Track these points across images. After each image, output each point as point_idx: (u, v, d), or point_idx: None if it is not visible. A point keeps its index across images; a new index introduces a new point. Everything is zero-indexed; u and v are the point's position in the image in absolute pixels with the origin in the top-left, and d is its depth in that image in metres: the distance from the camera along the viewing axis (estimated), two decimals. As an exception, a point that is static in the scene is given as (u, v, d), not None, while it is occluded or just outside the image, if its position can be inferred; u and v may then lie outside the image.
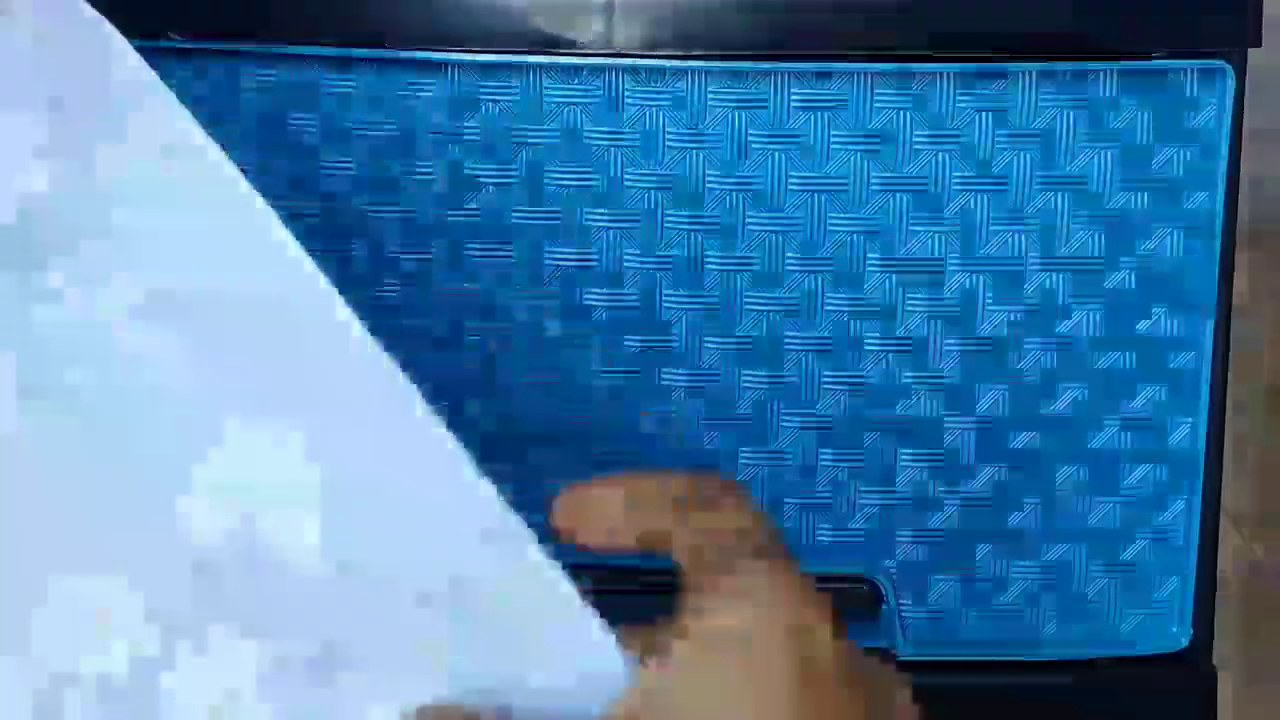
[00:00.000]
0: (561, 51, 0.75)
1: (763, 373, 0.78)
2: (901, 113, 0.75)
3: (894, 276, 0.77)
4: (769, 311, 0.77)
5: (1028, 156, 0.76)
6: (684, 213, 0.76)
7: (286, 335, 0.48)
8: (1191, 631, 0.81)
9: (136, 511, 0.47)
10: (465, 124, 0.76)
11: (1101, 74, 0.75)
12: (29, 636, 0.46)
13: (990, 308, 0.77)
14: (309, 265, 0.49)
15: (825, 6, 0.74)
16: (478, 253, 0.77)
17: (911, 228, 0.76)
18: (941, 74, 0.75)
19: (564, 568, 0.45)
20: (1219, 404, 0.79)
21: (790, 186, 0.76)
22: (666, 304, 0.77)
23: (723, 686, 0.42)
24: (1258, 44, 0.75)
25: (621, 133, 0.76)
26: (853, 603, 0.80)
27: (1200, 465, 0.80)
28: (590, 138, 0.76)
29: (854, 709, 0.43)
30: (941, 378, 0.78)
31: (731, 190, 0.76)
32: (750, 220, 0.76)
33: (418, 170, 0.76)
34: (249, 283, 0.49)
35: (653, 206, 0.76)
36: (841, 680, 0.43)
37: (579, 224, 0.77)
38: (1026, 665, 0.81)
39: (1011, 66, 0.75)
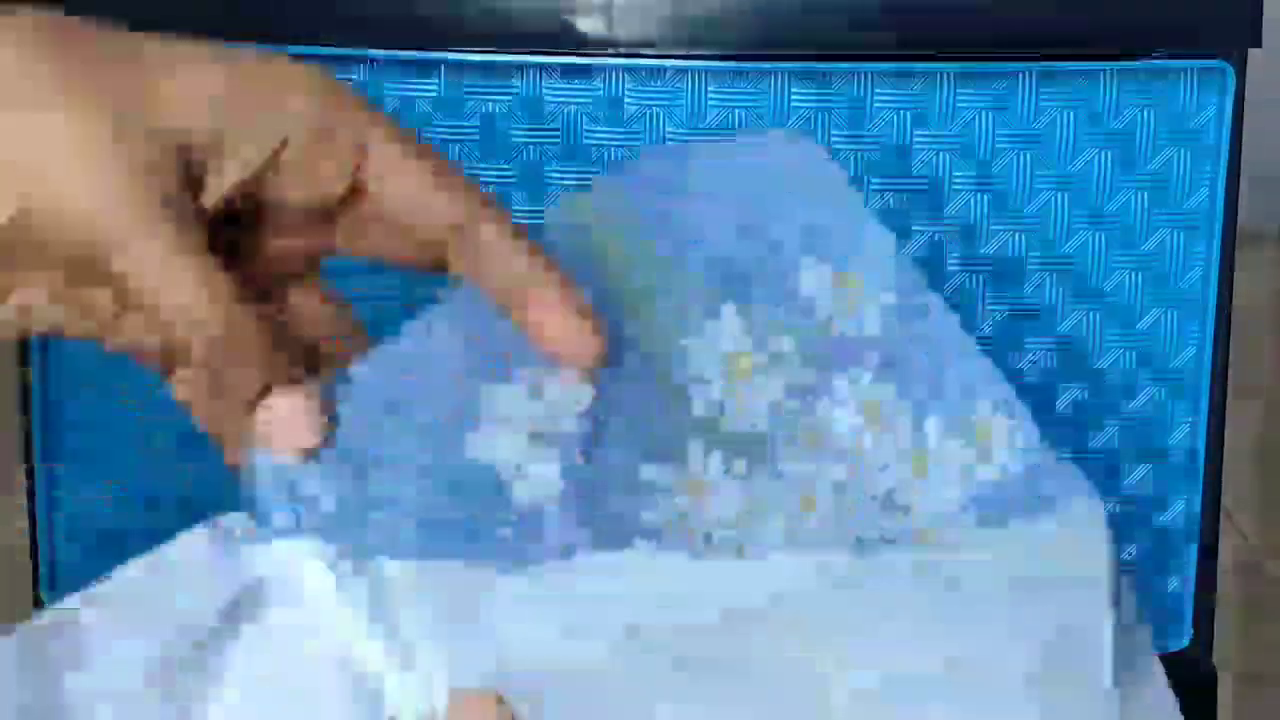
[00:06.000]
0: (561, 51, 0.75)
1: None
2: (901, 113, 0.75)
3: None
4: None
5: (1028, 156, 0.76)
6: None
7: None
8: (1191, 631, 0.81)
9: None
10: (465, 124, 0.76)
11: (1101, 74, 0.75)
12: None
13: (990, 307, 0.77)
14: None
15: (825, 6, 0.74)
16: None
17: (911, 228, 0.76)
18: (941, 74, 0.75)
19: None
20: (1219, 404, 0.79)
21: (790, 186, 0.76)
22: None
23: None
24: (1258, 44, 0.75)
25: (621, 133, 0.75)
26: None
27: (1200, 465, 0.80)
28: (590, 138, 0.76)
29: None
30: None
31: (731, 190, 0.76)
32: (750, 220, 0.76)
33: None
34: None
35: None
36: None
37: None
38: (1026, 665, 0.81)
39: (1011, 66, 0.75)
